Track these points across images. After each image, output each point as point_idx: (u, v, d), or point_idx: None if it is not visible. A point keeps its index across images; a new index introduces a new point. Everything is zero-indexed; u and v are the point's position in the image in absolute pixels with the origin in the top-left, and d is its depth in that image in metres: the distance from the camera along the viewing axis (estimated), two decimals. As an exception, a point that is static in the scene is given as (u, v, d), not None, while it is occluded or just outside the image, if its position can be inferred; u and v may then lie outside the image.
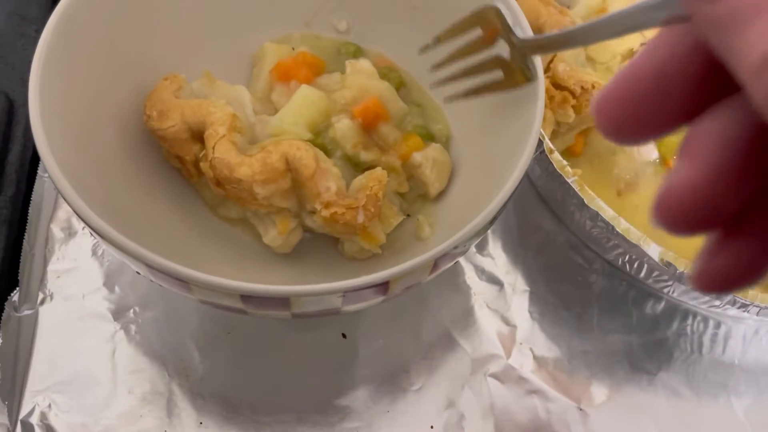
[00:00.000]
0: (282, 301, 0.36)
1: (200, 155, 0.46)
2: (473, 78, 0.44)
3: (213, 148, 0.44)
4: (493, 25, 0.42)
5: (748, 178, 0.19)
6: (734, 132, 0.19)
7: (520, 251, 0.53)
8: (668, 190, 0.19)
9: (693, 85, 0.20)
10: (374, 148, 0.48)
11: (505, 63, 0.42)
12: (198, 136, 0.46)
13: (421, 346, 0.49)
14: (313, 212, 0.45)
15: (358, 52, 0.55)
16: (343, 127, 0.47)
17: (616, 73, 0.21)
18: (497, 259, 0.52)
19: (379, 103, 0.50)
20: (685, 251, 0.50)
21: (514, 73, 0.42)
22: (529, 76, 0.42)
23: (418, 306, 0.50)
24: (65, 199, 0.37)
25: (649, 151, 0.55)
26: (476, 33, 0.43)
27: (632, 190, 0.55)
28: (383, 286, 0.37)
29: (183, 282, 0.36)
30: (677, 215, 0.19)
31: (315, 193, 0.44)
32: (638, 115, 0.20)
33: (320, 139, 0.48)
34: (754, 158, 0.18)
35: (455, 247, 0.37)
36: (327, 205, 0.43)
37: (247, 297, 0.35)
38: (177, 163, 0.48)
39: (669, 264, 0.43)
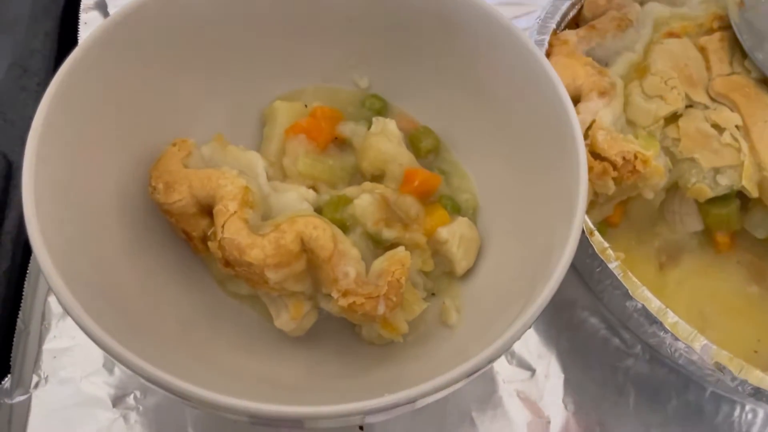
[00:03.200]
0: (295, 422, 0.32)
1: (209, 233, 0.43)
2: None
3: (222, 226, 0.40)
4: None
5: None
6: None
7: (553, 332, 0.49)
8: None
9: None
10: (397, 224, 0.44)
11: None
12: (207, 210, 0.43)
13: (444, 440, 0.45)
14: (330, 297, 0.41)
15: (383, 109, 0.52)
16: (364, 203, 0.43)
17: None
18: (529, 340, 0.48)
19: (435, 177, 0.47)
20: (737, 343, 0.46)
21: None
22: None
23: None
24: (55, 295, 0.33)
25: (694, 222, 0.51)
26: None
27: (675, 264, 0.51)
28: (409, 403, 0.33)
29: (183, 395, 0.32)
30: None
31: (332, 278, 0.40)
32: None
33: (339, 214, 0.44)
34: None
35: (489, 361, 0.33)
36: (345, 294, 0.39)
37: (255, 416, 0.32)
38: (183, 236, 0.45)
39: (723, 367, 0.39)
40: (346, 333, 0.45)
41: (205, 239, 0.43)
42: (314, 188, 0.47)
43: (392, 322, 0.41)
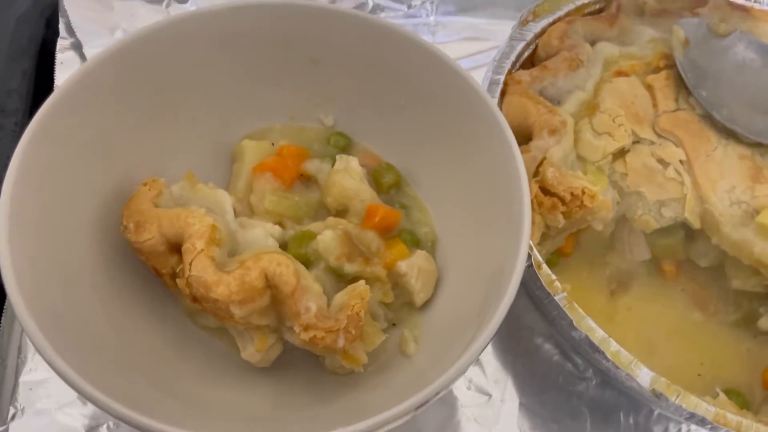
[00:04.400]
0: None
1: (178, 270, 0.45)
2: None
3: (190, 264, 0.43)
4: None
5: None
6: None
7: (509, 357, 0.51)
8: None
9: None
10: (358, 258, 0.47)
11: None
12: (176, 247, 0.45)
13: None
14: (293, 330, 0.43)
15: (348, 146, 0.54)
16: (326, 239, 0.46)
17: None
18: (486, 366, 0.51)
19: (395, 213, 0.49)
20: (683, 367, 0.49)
21: None
22: None
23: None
24: (28, 337, 0.35)
25: (642, 252, 0.54)
26: None
27: (625, 291, 0.54)
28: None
29: None
30: None
31: (294, 312, 0.42)
32: None
33: (303, 249, 0.46)
34: None
35: (439, 391, 0.36)
36: (306, 328, 0.42)
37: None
38: (154, 272, 0.47)
39: (660, 394, 0.41)
40: (311, 363, 0.47)
41: (174, 276, 0.45)
42: (280, 224, 0.49)
43: (352, 354, 0.43)
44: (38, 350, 0.35)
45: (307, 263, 0.46)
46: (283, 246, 0.47)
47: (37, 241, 0.40)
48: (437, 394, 0.35)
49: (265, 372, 0.47)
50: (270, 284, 0.43)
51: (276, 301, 0.43)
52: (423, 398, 0.35)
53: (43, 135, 0.42)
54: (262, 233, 0.47)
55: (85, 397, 0.34)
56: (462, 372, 0.37)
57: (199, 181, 0.48)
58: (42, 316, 0.37)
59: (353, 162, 0.51)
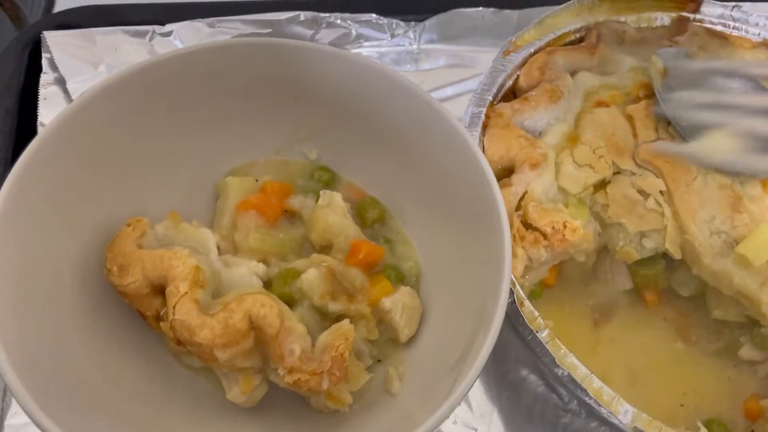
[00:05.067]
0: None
1: (162, 312, 0.45)
2: None
3: (174, 308, 0.43)
4: None
5: None
6: None
7: (494, 390, 0.52)
8: None
9: None
10: (342, 296, 0.47)
11: None
12: (160, 289, 0.45)
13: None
14: (278, 372, 0.43)
15: (332, 181, 0.55)
16: (310, 277, 0.46)
17: None
18: (472, 399, 0.51)
19: (378, 250, 0.50)
20: (665, 397, 0.49)
21: None
22: None
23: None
24: (9, 389, 0.36)
25: (624, 281, 0.54)
26: None
27: (608, 320, 0.54)
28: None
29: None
30: None
31: (279, 354, 0.42)
32: None
33: (288, 288, 0.47)
34: None
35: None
36: (290, 371, 0.42)
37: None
38: (139, 314, 0.47)
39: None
40: (296, 403, 0.47)
41: (158, 318, 0.46)
42: (265, 261, 0.49)
43: (337, 395, 0.44)
44: (20, 404, 0.35)
45: (291, 302, 0.46)
46: (268, 284, 0.47)
47: (19, 288, 0.41)
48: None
49: (251, 412, 0.47)
50: (254, 326, 0.43)
51: (260, 342, 0.44)
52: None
53: (25, 179, 0.42)
54: (246, 272, 0.47)
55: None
56: (448, 414, 0.38)
57: (182, 221, 0.48)
58: (25, 367, 0.37)
59: (337, 197, 0.51)
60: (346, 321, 0.45)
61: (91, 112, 0.45)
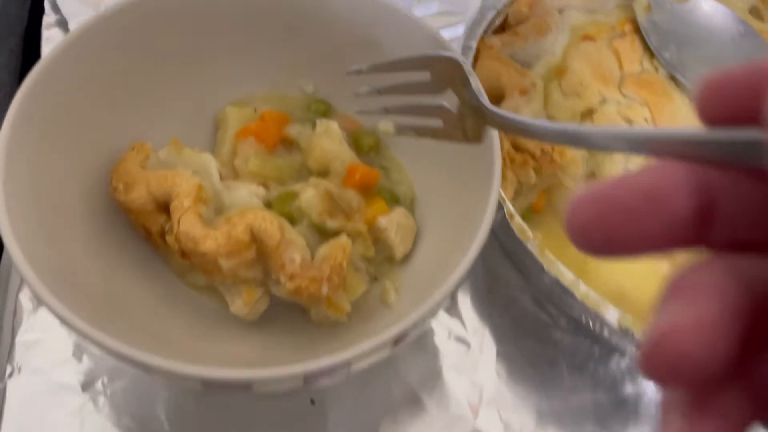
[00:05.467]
0: (244, 385, 0.36)
1: (166, 227, 0.47)
2: (407, 117, 0.43)
3: (178, 221, 0.45)
4: (449, 75, 0.40)
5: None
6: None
7: (486, 309, 0.54)
8: (669, 334, 0.16)
9: (690, 220, 0.19)
10: (340, 215, 0.49)
11: (449, 115, 0.41)
12: (164, 207, 0.47)
13: (391, 410, 0.49)
14: (279, 282, 0.45)
15: (328, 111, 0.56)
16: (309, 196, 0.48)
17: (600, 185, 0.19)
18: (465, 318, 0.53)
19: (374, 172, 0.51)
20: (646, 311, 0.51)
21: (456, 129, 0.41)
22: (475, 139, 0.41)
23: (388, 370, 0.50)
24: (24, 279, 0.37)
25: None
26: (424, 76, 0.42)
27: (596, 245, 0.56)
28: (345, 366, 0.37)
29: (144, 367, 0.36)
30: (678, 365, 0.16)
31: (280, 264, 0.44)
32: (619, 235, 0.19)
33: (287, 207, 0.48)
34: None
35: (414, 326, 0.38)
36: (291, 278, 0.44)
37: (208, 382, 0.36)
38: (144, 233, 0.49)
39: (626, 330, 0.44)
40: (297, 317, 0.49)
41: (163, 234, 0.47)
42: (264, 185, 0.51)
43: (336, 302, 0.46)
44: (38, 296, 0.36)
45: (291, 221, 0.48)
46: (267, 206, 0.49)
47: (30, 202, 0.42)
48: (415, 326, 0.37)
49: (253, 326, 0.49)
50: (255, 239, 0.45)
51: (262, 254, 0.45)
52: (400, 331, 0.37)
53: (30, 103, 0.44)
54: (246, 193, 0.49)
55: (84, 336, 0.35)
56: (437, 308, 0.39)
57: (184, 147, 0.50)
58: (39, 268, 0.38)
59: (333, 125, 0.53)
60: (343, 235, 0.47)
61: (89, 43, 0.47)
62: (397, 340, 0.38)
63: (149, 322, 0.46)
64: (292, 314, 0.49)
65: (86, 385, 0.48)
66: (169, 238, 0.45)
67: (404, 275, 0.50)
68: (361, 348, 0.36)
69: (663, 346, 0.16)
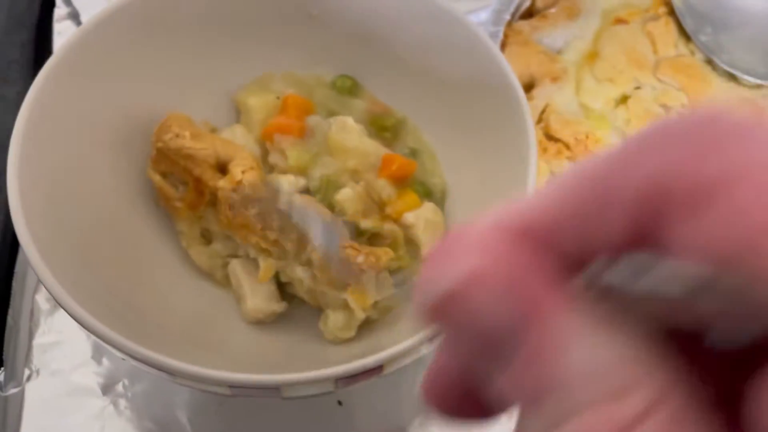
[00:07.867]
0: (272, 390, 0.35)
1: (219, 183, 0.45)
2: None
3: (243, 173, 0.44)
4: None
5: None
6: None
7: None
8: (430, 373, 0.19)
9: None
10: (373, 214, 0.47)
11: None
12: (221, 167, 0.46)
13: (419, 411, 0.47)
14: (309, 264, 0.44)
15: (354, 87, 0.54)
16: (345, 197, 0.46)
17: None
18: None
19: (411, 163, 0.50)
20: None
21: None
22: None
23: (416, 369, 0.48)
24: (39, 277, 0.36)
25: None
26: None
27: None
28: (378, 369, 0.35)
29: (168, 373, 0.35)
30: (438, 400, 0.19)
31: None
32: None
33: (328, 199, 0.47)
34: None
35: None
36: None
37: (236, 387, 0.34)
38: (191, 182, 0.46)
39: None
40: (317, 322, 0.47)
41: (204, 194, 0.46)
42: (302, 174, 0.49)
43: (363, 285, 0.43)
44: (56, 298, 0.35)
45: (331, 209, 0.46)
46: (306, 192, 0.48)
47: (46, 199, 0.41)
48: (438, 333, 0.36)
49: (276, 327, 0.47)
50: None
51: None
52: (427, 336, 0.35)
53: (46, 95, 0.42)
54: (286, 183, 0.47)
55: (104, 340, 0.34)
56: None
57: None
58: (57, 269, 0.37)
59: (348, 121, 0.50)
60: (386, 249, 0.45)
61: (104, 33, 0.45)
62: (430, 340, 0.36)
63: (170, 321, 0.44)
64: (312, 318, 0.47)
65: (106, 388, 0.47)
66: (225, 182, 0.44)
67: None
68: (397, 350, 0.34)
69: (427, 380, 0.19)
